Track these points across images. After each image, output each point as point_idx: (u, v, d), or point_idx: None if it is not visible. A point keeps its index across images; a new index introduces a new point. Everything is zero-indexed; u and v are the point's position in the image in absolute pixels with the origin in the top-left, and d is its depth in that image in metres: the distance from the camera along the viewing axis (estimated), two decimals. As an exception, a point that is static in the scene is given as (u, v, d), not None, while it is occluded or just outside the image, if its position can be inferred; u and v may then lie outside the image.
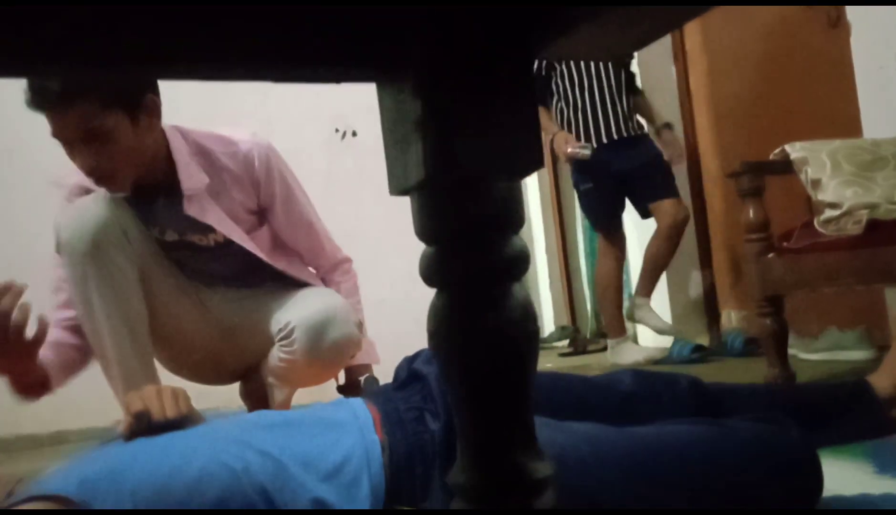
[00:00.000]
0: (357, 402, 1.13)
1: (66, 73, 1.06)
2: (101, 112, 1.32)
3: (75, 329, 1.47)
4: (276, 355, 1.51)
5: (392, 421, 1.07)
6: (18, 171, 2.55)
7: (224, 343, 1.59)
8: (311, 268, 1.73)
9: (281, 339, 1.49)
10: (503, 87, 0.42)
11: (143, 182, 1.46)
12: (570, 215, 4.65)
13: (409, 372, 1.19)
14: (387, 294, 2.50)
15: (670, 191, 2.96)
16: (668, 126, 3.11)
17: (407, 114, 0.42)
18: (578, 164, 3.00)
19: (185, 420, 1.10)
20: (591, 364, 3.16)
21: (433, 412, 1.07)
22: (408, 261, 2.77)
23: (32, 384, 1.37)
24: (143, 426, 1.06)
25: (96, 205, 1.41)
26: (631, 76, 3.07)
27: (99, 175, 1.38)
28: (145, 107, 1.40)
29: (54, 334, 1.46)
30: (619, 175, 2.95)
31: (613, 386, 1.23)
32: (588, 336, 4.23)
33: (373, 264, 2.78)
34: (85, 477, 0.94)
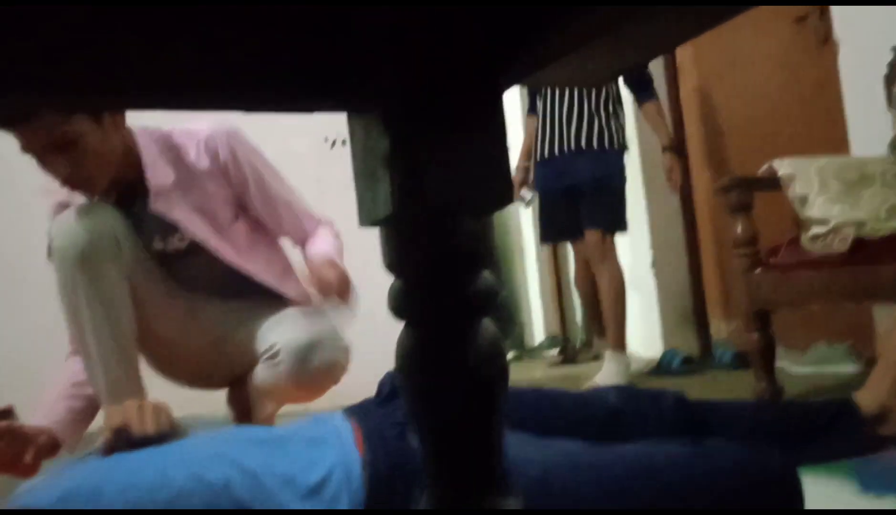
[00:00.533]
0: (339, 418, 1.13)
1: (10, 105, 1.05)
2: (63, 120, 1.32)
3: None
4: (261, 374, 1.50)
5: (374, 437, 1.06)
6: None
7: (213, 352, 1.58)
8: (298, 244, 1.69)
9: (266, 359, 1.48)
10: (472, 123, 0.42)
11: (117, 185, 1.46)
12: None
13: (392, 387, 1.18)
14: (376, 306, 2.50)
15: (596, 220, 2.77)
16: (671, 149, 2.90)
17: (376, 146, 0.42)
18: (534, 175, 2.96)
19: (165, 435, 1.09)
20: (581, 373, 3.16)
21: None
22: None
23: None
24: (122, 441, 1.05)
25: (89, 213, 1.40)
26: (616, 86, 2.92)
27: (74, 181, 1.38)
28: (117, 112, 1.40)
29: (71, 367, 1.48)
30: (568, 189, 2.80)
31: (598, 402, 1.23)
32: (578, 345, 4.23)
33: (363, 274, 2.78)
34: (63, 493, 0.93)
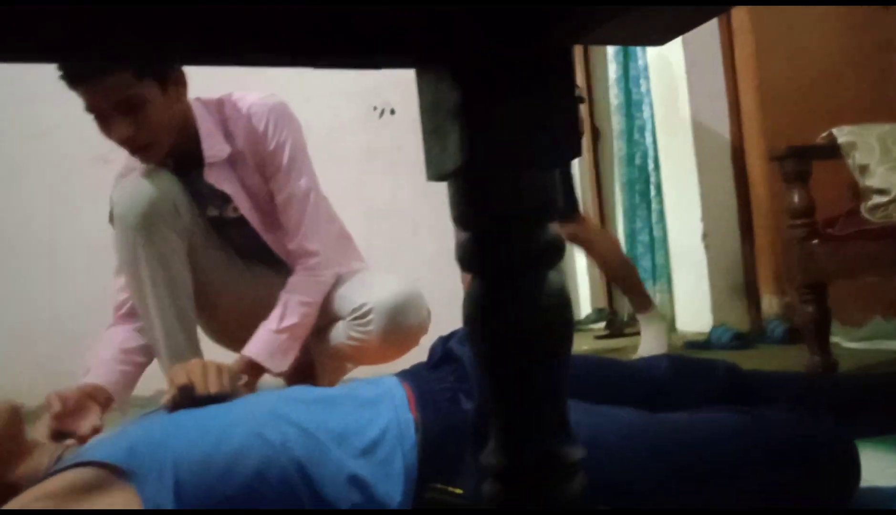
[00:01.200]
0: (392, 381, 1.15)
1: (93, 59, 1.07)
2: (134, 81, 1.35)
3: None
4: (346, 333, 1.53)
5: (426, 400, 1.08)
6: (59, 150, 2.61)
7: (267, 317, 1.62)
8: (284, 256, 1.61)
9: (354, 319, 1.51)
10: (541, 77, 0.42)
11: (174, 153, 1.49)
12: (609, 194, 4.60)
13: (443, 353, 1.20)
14: (422, 272, 2.52)
15: None
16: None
17: (445, 101, 0.42)
18: None
19: (226, 394, 1.13)
20: (628, 346, 3.14)
21: (467, 392, 1.08)
22: (443, 240, 2.80)
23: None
24: (186, 398, 1.09)
25: (150, 179, 1.44)
26: None
27: (134, 144, 1.41)
28: (174, 77, 1.43)
29: (119, 334, 1.52)
30: None
31: (649, 371, 1.22)
32: (625, 318, 4.20)
33: (409, 242, 2.81)
34: (130, 446, 0.98)
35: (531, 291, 0.42)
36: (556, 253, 0.43)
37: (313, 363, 1.65)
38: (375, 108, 2.86)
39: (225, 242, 1.60)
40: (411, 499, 1.02)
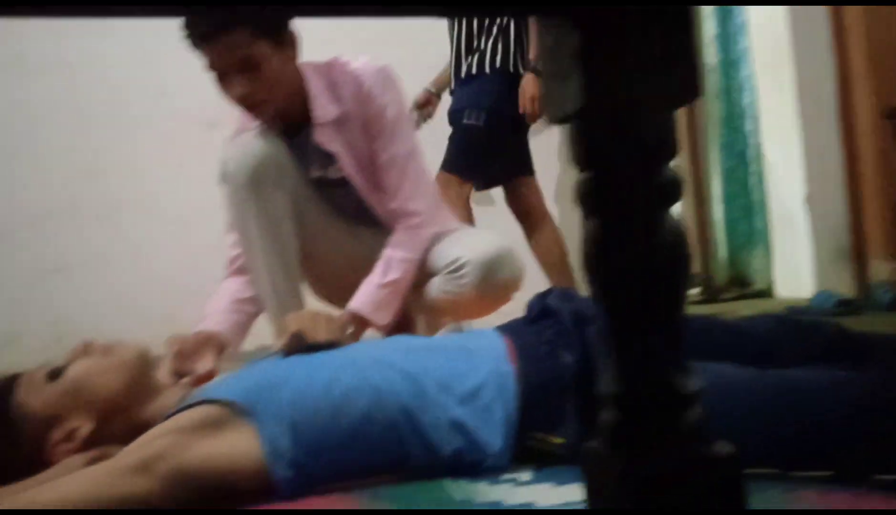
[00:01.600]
0: (492, 333, 1.18)
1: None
2: (251, 41, 1.43)
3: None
4: (440, 288, 1.58)
5: (526, 352, 1.11)
6: (170, 113, 2.74)
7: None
8: (385, 217, 1.67)
9: (450, 272, 1.55)
10: (661, 17, 0.43)
11: (284, 113, 1.55)
12: (705, 158, 4.46)
13: (541, 308, 1.22)
14: (512, 230, 2.54)
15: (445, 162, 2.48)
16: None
17: (566, 45, 0.44)
18: None
19: (334, 343, 1.19)
20: (724, 312, 3.07)
21: (567, 346, 1.09)
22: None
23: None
24: (299, 346, 1.16)
25: (258, 140, 1.52)
26: None
27: (249, 102, 1.49)
28: (287, 37, 1.50)
29: (232, 286, 1.62)
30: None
31: (754, 329, 1.20)
32: (721, 283, 4.09)
33: (499, 203, 2.82)
34: (249, 387, 1.05)
35: (651, 229, 0.44)
36: (674, 192, 0.44)
37: (411, 319, 1.71)
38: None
39: (327, 202, 1.67)
40: (511, 447, 1.05)
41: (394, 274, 1.54)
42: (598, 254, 0.44)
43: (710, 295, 3.78)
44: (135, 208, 2.71)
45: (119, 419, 1.08)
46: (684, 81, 0.44)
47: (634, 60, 0.43)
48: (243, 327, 1.61)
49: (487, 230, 1.68)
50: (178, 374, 1.30)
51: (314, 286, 1.74)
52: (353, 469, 1.04)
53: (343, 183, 1.64)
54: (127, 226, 2.71)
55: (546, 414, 1.06)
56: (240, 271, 1.64)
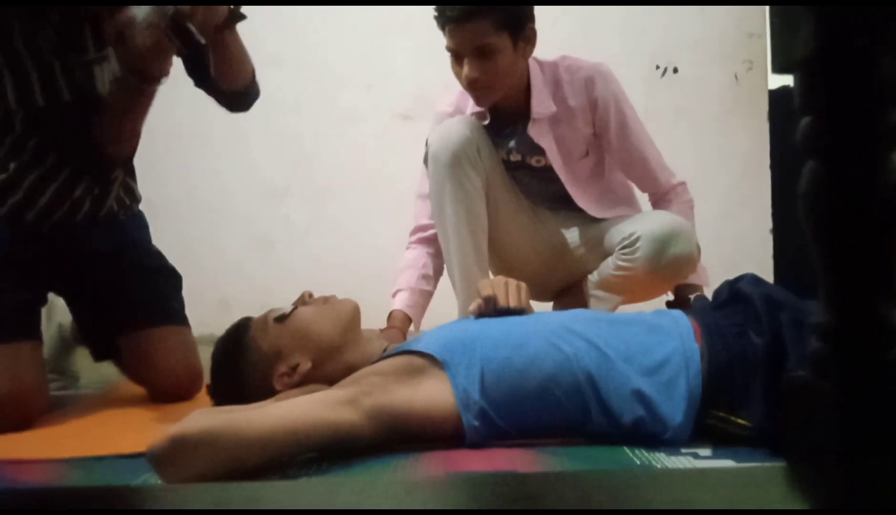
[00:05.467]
0: (678, 313, 1.19)
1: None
2: (493, 31, 1.53)
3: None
4: (613, 264, 1.62)
5: (713, 332, 1.11)
6: (373, 106, 2.95)
7: (552, 259, 1.76)
8: (647, 193, 1.80)
9: (623, 248, 1.59)
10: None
11: (502, 104, 1.65)
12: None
13: (730, 293, 1.21)
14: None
15: None
16: None
17: (798, -4, 0.47)
18: None
19: (523, 309, 1.27)
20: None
21: (756, 330, 1.08)
22: (722, 197, 2.70)
23: None
24: (491, 308, 1.24)
25: (459, 124, 1.64)
26: None
27: (477, 87, 1.59)
28: (526, 34, 1.59)
29: (419, 259, 1.76)
30: None
31: None
32: None
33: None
34: (445, 342, 1.14)
35: (874, 171, 0.46)
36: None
37: (585, 303, 1.74)
38: (658, 67, 2.84)
39: (517, 186, 1.76)
40: (692, 422, 1.06)
41: None
42: (820, 193, 0.47)
43: None
44: (336, 192, 2.94)
45: (332, 361, 1.22)
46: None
47: (867, 5, 0.45)
48: (425, 306, 1.76)
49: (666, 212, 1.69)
50: None
51: (494, 261, 1.83)
52: (536, 426, 1.10)
53: (539, 171, 1.73)
54: (330, 207, 2.95)
55: (730, 395, 1.06)
56: (425, 241, 1.78)
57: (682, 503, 0.54)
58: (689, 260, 1.58)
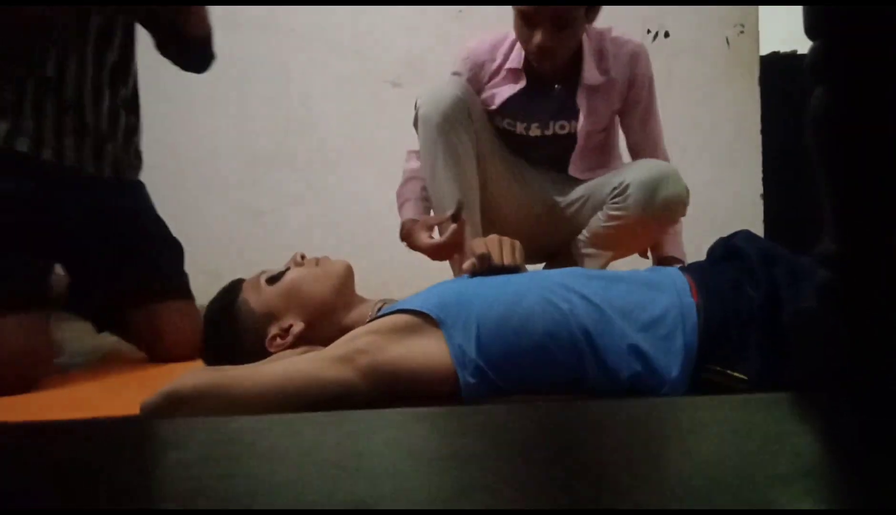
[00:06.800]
0: (673, 270, 1.19)
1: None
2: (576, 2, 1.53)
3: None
4: (604, 216, 1.63)
5: (708, 287, 1.11)
6: (363, 71, 2.91)
7: (543, 219, 1.75)
8: None
9: (614, 197, 1.60)
10: None
11: (557, 69, 1.64)
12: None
13: (725, 249, 1.20)
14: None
15: None
16: None
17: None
18: None
19: (517, 267, 1.26)
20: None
21: (753, 283, 1.08)
22: (713, 161, 2.70)
23: None
24: (485, 266, 1.23)
25: (449, 86, 1.61)
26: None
27: (541, 50, 1.58)
28: (598, 7, 1.59)
29: (418, 183, 1.75)
30: None
31: None
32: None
33: (677, 165, 2.75)
34: (440, 300, 1.13)
35: (881, 97, 0.45)
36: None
37: (576, 264, 1.74)
38: (649, 31, 2.82)
39: (507, 149, 1.74)
40: (688, 377, 1.06)
41: None
42: (828, 119, 0.46)
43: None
44: (326, 160, 2.91)
45: (325, 322, 1.21)
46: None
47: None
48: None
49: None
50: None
51: (487, 223, 1.82)
52: (534, 383, 1.09)
53: (554, 138, 1.73)
54: (319, 175, 2.92)
55: (727, 349, 1.06)
56: (414, 178, 1.77)
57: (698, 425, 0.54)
58: (681, 202, 1.60)
